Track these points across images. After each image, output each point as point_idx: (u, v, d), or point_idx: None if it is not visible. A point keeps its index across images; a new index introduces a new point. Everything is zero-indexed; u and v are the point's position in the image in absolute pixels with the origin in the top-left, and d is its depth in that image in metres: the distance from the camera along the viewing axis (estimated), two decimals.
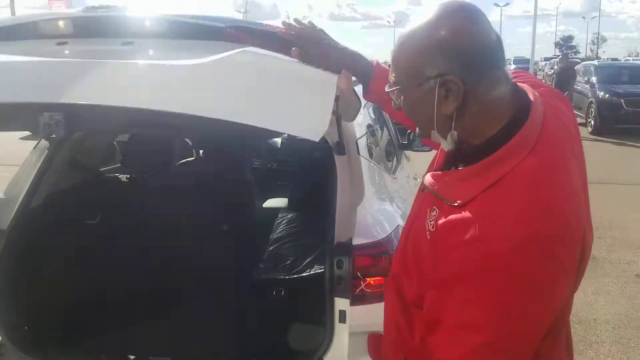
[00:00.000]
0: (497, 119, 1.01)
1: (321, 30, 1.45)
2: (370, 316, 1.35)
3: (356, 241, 1.80)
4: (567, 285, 0.96)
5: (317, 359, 1.80)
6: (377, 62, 1.45)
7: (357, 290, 1.70)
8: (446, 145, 1.05)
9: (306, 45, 1.39)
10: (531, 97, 1.05)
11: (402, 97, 1.06)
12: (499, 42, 1.00)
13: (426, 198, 1.12)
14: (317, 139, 1.23)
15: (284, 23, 1.49)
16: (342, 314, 1.71)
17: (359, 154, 2.07)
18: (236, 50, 1.40)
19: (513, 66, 30.27)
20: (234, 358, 2.35)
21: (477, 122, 1.01)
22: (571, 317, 1.17)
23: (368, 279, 1.73)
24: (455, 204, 0.99)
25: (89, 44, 1.67)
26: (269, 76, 1.34)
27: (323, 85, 1.29)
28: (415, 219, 1.16)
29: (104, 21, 1.66)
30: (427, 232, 1.05)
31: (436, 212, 1.04)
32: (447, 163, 1.14)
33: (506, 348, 0.93)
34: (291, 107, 1.30)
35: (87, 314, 2.44)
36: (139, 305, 2.54)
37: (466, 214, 0.95)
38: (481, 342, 0.92)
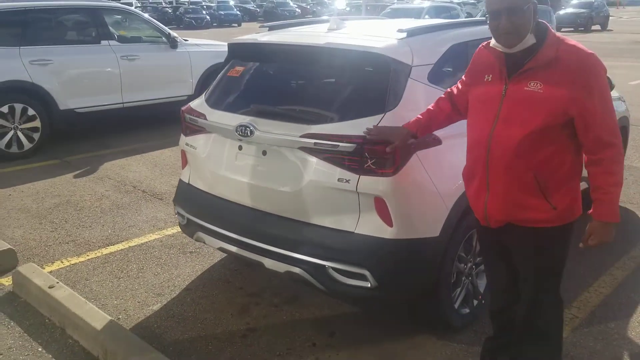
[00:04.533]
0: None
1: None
2: None
3: None
4: None
5: None
6: (407, 124, 2.55)
7: None
8: (531, 40, 2.09)
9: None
10: None
11: (514, 19, 2.03)
12: None
13: (515, 89, 2.12)
14: None
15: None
16: None
17: None
18: None
19: None
20: None
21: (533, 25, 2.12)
22: None
23: None
24: (549, 58, 2.05)
25: None
26: None
27: None
28: (508, 103, 2.14)
29: None
30: (538, 90, 2.06)
31: (535, 82, 2.07)
32: (511, 65, 2.13)
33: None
34: None
35: None
36: None
37: (559, 60, 2.04)
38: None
